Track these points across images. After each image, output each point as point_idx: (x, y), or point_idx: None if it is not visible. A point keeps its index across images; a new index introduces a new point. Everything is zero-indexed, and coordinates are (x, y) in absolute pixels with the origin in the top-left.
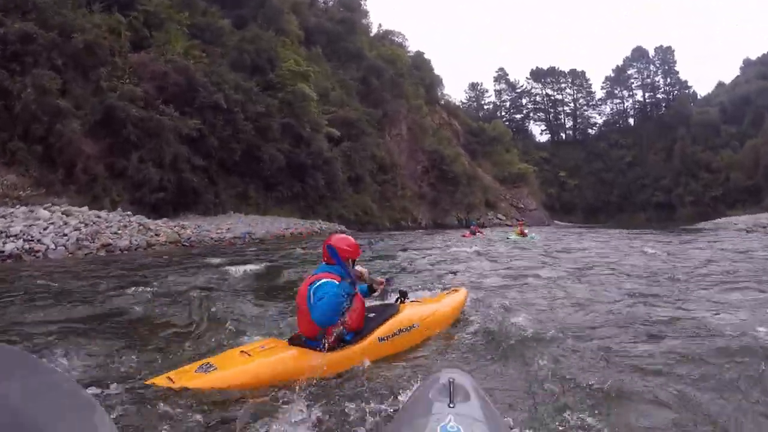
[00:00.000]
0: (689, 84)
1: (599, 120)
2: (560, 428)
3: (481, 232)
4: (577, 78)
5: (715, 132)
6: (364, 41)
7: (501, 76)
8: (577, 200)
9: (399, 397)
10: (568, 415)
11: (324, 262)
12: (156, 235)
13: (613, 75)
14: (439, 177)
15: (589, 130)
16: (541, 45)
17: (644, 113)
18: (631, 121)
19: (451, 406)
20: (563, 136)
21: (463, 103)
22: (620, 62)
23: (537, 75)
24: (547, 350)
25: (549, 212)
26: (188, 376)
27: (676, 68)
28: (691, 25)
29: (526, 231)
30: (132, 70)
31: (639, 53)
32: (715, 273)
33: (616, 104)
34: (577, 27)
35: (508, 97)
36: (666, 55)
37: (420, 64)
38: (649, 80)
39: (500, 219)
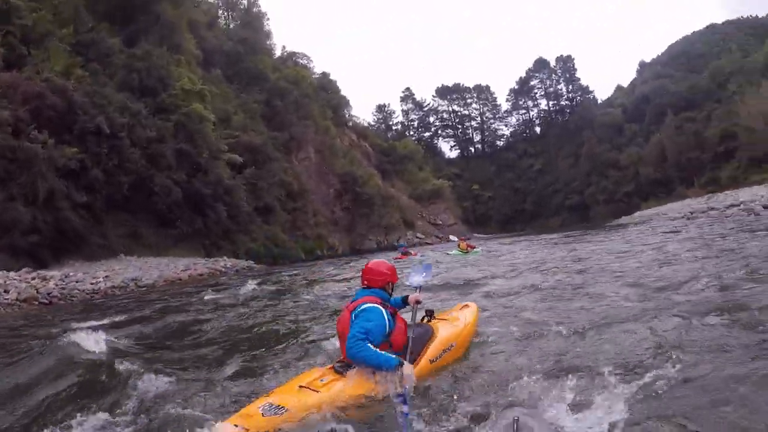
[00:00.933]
0: (591, 89)
1: (506, 131)
2: None
3: (413, 253)
4: (482, 92)
5: (618, 132)
6: (267, 63)
7: (407, 96)
8: (492, 212)
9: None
10: None
11: (363, 287)
12: (4, 291)
13: (517, 87)
14: (353, 200)
15: (498, 142)
16: (445, 62)
17: (550, 121)
18: (538, 129)
19: None
20: (472, 150)
21: (371, 125)
22: (523, 74)
23: (443, 92)
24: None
25: (465, 226)
26: (260, 420)
27: (577, 75)
28: (588, 34)
29: (473, 245)
30: (0, 91)
31: (541, 64)
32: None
33: (521, 115)
34: (480, 43)
35: (416, 116)
36: (566, 63)
37: (326, 85)
38: (552, 89)
39: (419, 238)
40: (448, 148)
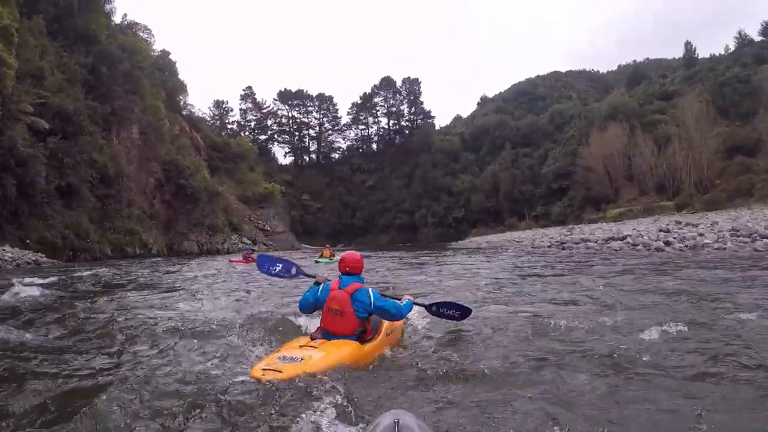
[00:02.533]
0: (432, 114)
1: (343, 145)
2: None
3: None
4: (325, 102)
5: (454, 159)
6: (102, 24)
7: (248, 95)
8: (320, 223)
9: None
10: None
11: (344, 273)
12: None
13: (360, 101)
14: (175, 193)
15: (333, 155)
16: (290, 67)
17: (388, 140)
18: (375, 146)
19: None
20: (307, 159)
21: (206, 121)
22: (368, 90)
23: (284, 96)
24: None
25: (293, 235)
26: (284, 367)
27: (421, 99)
28: (434, 63)
29: (333, 253)
30: None
31: (387, 82)
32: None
33: (361, 130)
34: (330, 52)
35: (254, 117)
36: (413, 86)
37: (164, 66)
38: (394, 108)
39: (245, 243)
40: (283, 154)
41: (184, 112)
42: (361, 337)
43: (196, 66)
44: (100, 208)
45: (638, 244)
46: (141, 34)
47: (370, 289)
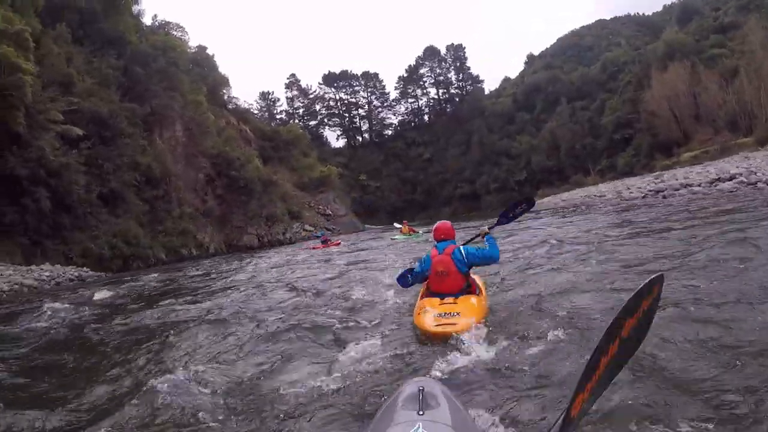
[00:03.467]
0: (481, 78)
1: (395, 120)
2: None
3: (335, 242)
4: (371, 80)
5: (509, 121)
6: (130, 24)
7: (293, 83)
8: (381, 202)
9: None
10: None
11: (441, 240)
12: None
13: (406, 75)
14: (227, 186)
15: (386, 132)
16: (333, 49)
17: (439, 110)
18: (426, 118)
19: (420, 413)
20: (359, 139)
21: (254, 114)
22: (413, 62)
23: (329, 79)
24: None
25: (357, 216)
26: (452, 321)
27: (467, 64)
28: (476, 27)
29: (414, 228)
30: None
31: (431, 52)
32: None
33: (410, 103)
34: (369, 29)
35: (301, 104)
36: (457, 52)
37: (202, 61)
38: (442, 77)
39: (308, 230)
40: (335, 138)
41: (230, 106)
42: (470, 292)
43: (237, 62)
44: (148, 211)
45: (755, 183)
46: (174, 32)
47: (461, 246)
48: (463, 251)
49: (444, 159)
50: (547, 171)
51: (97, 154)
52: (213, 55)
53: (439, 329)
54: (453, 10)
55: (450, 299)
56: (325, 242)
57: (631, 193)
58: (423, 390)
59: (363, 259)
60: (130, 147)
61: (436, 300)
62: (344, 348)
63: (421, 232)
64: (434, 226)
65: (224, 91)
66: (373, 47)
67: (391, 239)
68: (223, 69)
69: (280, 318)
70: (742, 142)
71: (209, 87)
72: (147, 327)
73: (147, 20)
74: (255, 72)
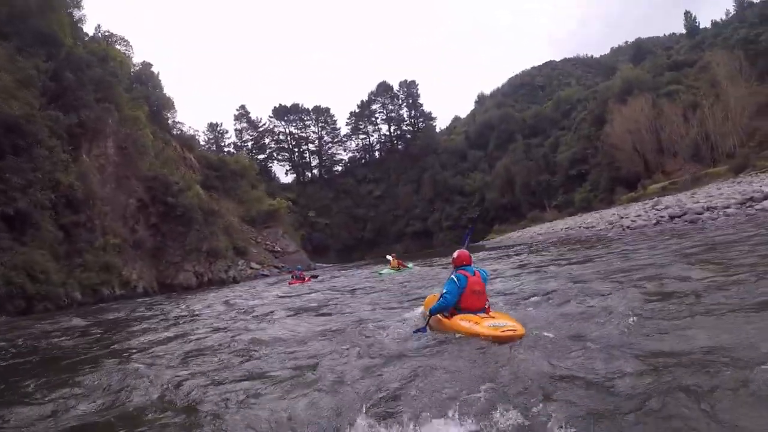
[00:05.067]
0: (433, 115)
1: (345, 156)
2: None
3: (307, 279)
4: (322, 114)
5: (462, 158)
6: (65, 23)
7: (242, 114)
8: (330, 240)
9: None
10: None
11: (462, 265)
12: None
13: (358, 110)
14: (163, 214)
15: (336, 168)
16: (284, 82)
17: (390, 146)
18: (377, 154)
19: None
20: (309, 175)
21: (201, 146)
22: (365, 98)
23: (280, 112)
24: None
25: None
26: (509, 327)
27: (420, 101)
28: (428, 65)
29: (403, 263)
30: None
31: (384, 88)
32: None
33: (361, 139)
34: (322, 64)
35: (250, 137)
36: (410, 88)
37: (146, 78)
38: (394, 114)
39: (255, 268)
40: (284, 173)
41: (174, 131)
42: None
43: (185, 89)
44: (65, 240)
45: None
46: (118, 46)
47: (480, 270)
48: (483, 274)
49: (395, 196)
50: (501, 208)
51: (5, 165)
52: (158, 74)
53: (507, 334)
54: (403, 47)
55: (482, 314)
56: (299, 278)
57: (633, 222)
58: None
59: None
60: (49, 161)
61: (473, 316)
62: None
63: (411, 265)
64: (455, 254)
65: (168, 114)
66: (326, 82)
67: (378, 273)
68: (169, 92)
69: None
70: (713, 171)
71: (152, 107)
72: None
73: (89, 30)
74: (203, 102)
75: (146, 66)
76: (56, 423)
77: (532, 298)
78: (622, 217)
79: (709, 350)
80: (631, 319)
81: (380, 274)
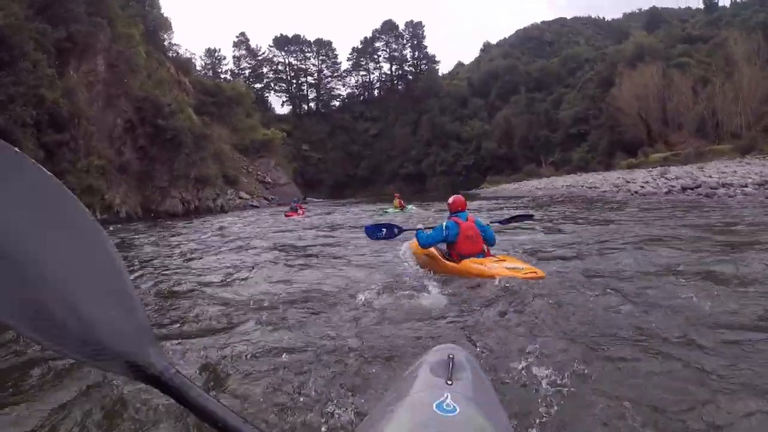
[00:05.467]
0: (437, 59)
1: (344, 92)
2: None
3: (300, 212)
4: (323, 47)
5: (462, 104)
6: None
7: (242, 42)
8: (323, 175)
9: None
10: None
11: (457, 212)
12: None
13: (360, 46)
14: (152, 137)
15: (333, 103)
16: (287, 11)
17: (391, 86)
18: (377, 93)
19: (449, 383)
20: (305, 108)
21: (197, 70)
22: (369, 34)
23: (280, 42)
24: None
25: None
26: (530, 268)
27: (425, 43)
28: (435, 8)
29: (404, 203)
30: None
31: (389, 26)
32: None
33: (362, 76)
34: None
35: (248, 65)
36: (416, 29)
37: None
38: (397, 53)
39: (243, 198)
40: (280, 104)
41: (170, 53)
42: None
43: (184, 10)
44: (46, 159)
45: None
46: None
47: (476, 217)
48: (480, 222)
49: (392, 136)
50: (497, 158)
51: None
52: None
53: (531, 275)
54: None
55: (493, 256)
56: (294, 210)
57: (641, 187)
58: (453, 358)
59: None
60: (33, 76)
61: (482, 259)
62: (366, 308)
63: (409, 207)
64: (451, 200)
65: (165, 35)
66: (330, 14)
67: (383, 211)
68: (166, 12)
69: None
70: (717, 149)
71: (148, 27)
72: None
73: None
74: (202, 27)
75: None
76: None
77: (557, 253)
78: (628, 182)
79: None
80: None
81: (385, 212)
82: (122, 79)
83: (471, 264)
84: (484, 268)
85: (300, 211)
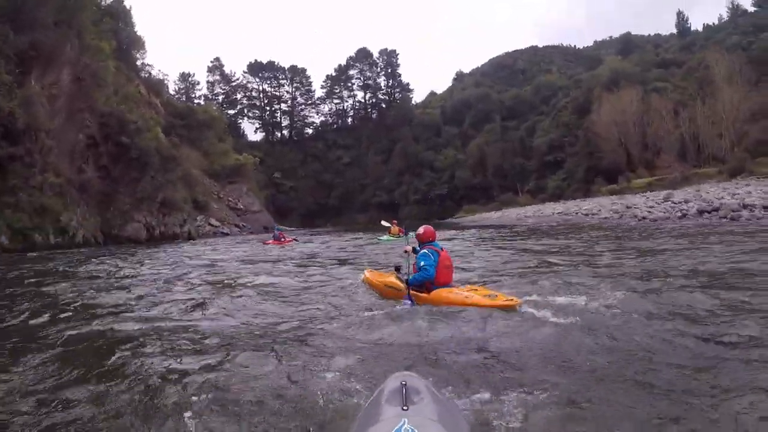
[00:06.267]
0: (411, 87)
1: (317, 120)
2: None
3: (288, 240)
4: (298, 75)
5: (436, 133)
6: None
7: (216, 67)
8: (294, 203)
9: None
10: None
11: (429, 241)
12: None
13: (334, 74)
14: (115, 155)
15: (307, 130)
16: (261, 38)
17: (364, 114)
18: (350, 121)
19: (405, 408)
20: (278, 135)
21: (170, 94)
22: (343, 62)
23: (254, 68)
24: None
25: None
26: (509, 296)
27: (399, 71)
28: (409, 38)
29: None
30: None
31: (363, 54)
32: None
33: (335, 104)
34: (303, 23)
35: (222, 91)
36: (390, 57)
37: (117, 14)
38: (371, 81)
39: (213, 225)
40: (253, 130)
41: (142, 73)
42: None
43: (159, 33)
44: None
45: None
46: None
47: None
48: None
49: (364, 165)
50: (471, 187)
51: None
52: (130, 9)
53: (512, 303)
54: (386, 16)
55: (467, 286)
56: (277, 239)
57: (649, 212)
58: (405, 385)
59: None
60: None
61: (452, 287)
62: (323, 346)
63: (411, 234)
64: (421, 230)
65: (138, 55)
66: (305, 42)
67: (377, 239)
68: (141, 32)
69: (244, 322)
70: (703, 172)
71: (121, 45)
72: None
73: None
74: (177, 51)
75: (119, 0)
76: None
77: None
78: (628, 207)
79: None
80: None
81: (379, 240)
82: (87, 93)
83: (446, 293)
84: (462, 296)
85: (284, 240)
